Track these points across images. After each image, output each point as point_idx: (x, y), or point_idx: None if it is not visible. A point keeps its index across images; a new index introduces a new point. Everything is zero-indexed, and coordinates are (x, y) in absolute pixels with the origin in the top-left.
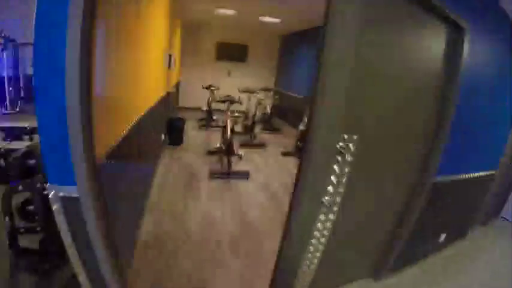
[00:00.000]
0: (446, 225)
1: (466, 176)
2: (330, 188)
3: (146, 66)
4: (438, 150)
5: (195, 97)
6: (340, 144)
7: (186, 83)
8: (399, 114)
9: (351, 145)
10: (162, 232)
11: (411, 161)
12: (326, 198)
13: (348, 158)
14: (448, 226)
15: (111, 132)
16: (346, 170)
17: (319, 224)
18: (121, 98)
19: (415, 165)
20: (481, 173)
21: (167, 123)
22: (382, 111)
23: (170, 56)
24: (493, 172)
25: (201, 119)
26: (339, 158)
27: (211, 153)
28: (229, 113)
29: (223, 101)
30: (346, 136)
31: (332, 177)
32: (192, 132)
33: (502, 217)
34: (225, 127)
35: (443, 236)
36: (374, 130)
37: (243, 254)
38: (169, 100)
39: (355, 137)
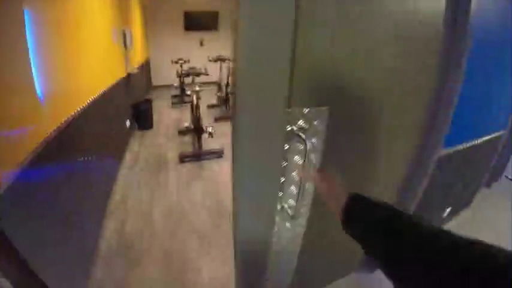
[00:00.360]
0: (451, 198)
1: (474, 142)
2: (292, 190)
3: (82, 46)
4: (446, 120)
5: (168, 74)
6: (300, 123)
7: (156, 60)
8: (393, 75)
9: (316, 122)
10: (126, 236)
11: (410, 134)
12: (285, 205)
13: (314, 141)
14: (453, 198)
15: (30, 133)
16: (314, 160)
17: (283, 235)
18: (45, 88)
19: (416, 139)
20: (489, 136)
21: (132, 108)
22: (368, 71)
23: (125, 33)
24: (500, 133)
25: (175, 96)
26: (299, 146)
27: (182, 133)
28: (196, 87)
29: (187, 74)
30: (306, 110)
31: (294, 174)
32: (164, 112)
33: (506, 176)
34: (192, 103)
35: (447, 210)
36: (356, 98)
37: (216, 252)
38: (130, 82)
39: (323, 108)
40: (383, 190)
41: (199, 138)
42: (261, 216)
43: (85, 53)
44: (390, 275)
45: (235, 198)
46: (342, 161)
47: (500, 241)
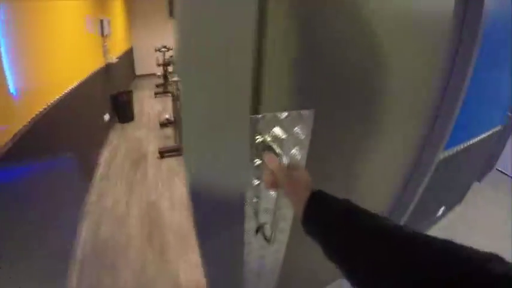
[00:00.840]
0: (445, 197)
1: (472, 141)
2: (268, 208)
3: (51, 37)
4: (448, 123)
5: (153, 62)
6: (275, 131)
7: (140, 48)
8: (393, 71)
9: (298, 129)
10: (101, 238)
11: (411, 137)
12: (261, 227)
13: (295, 151)
14: (447, 198)
15: None
16: None
17: (259, 257)
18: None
19: (415, 142)
20: (488, 133)
21: (112, 100)
22: (363, 67)
23: (102, 21)
24: (497, 129)
25: (158, 86)
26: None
27: (163, 125)
28: (175, 77)
29: (168, 64)
30: (283, 115)
31: (271, 194)
32: (147, 103)
33: (497, 169)
34: (172, 94)
35: (441, 210)
36: (348, 97)
37: (195, 253)
38: (110, 73)
39: (306, 113)
40: (377, 199)
41: (180, 131)
42: (228, 245)
43: (54, 44)
44: (346, 270)
45: (194, 222)
46: (331, 170)
47: (494, 234)
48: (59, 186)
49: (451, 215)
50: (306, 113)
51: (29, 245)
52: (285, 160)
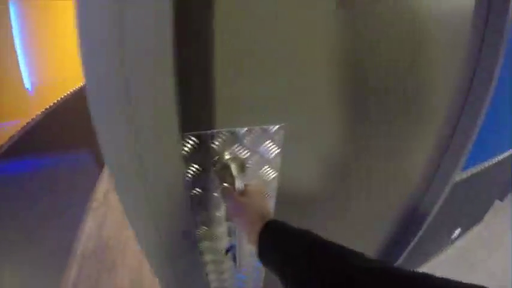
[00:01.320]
0: (460, 219)
1: (493, 160)
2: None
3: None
4: (469, 136)
5: None
6: (236, 149)
7: None
8: (396, 76)
9: (266, 146)
10: (103, 237)
11: (420, 155)
12: (230, 251)
13: (267, 169)
14: (463, 219)
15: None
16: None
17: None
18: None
19: (427, 162)
20: (509, 152)
21: None
22: (355, 69)
23: None
24: None
25: None
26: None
27: None
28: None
29: None
30: (242, 131)
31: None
32: None
33: None
34: None
35: (457, 232)
36: (336, 107)
37: None
38: None
39: (274, 128)
40: (382, 222)
41: None
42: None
43: (68, 41)
44: None
45: (145, 255)
46: (334, 187)
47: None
48: (66, 181)
49: (468, 236)
50: (273, 128)
51: (35, 236)
52: (239, 184)
